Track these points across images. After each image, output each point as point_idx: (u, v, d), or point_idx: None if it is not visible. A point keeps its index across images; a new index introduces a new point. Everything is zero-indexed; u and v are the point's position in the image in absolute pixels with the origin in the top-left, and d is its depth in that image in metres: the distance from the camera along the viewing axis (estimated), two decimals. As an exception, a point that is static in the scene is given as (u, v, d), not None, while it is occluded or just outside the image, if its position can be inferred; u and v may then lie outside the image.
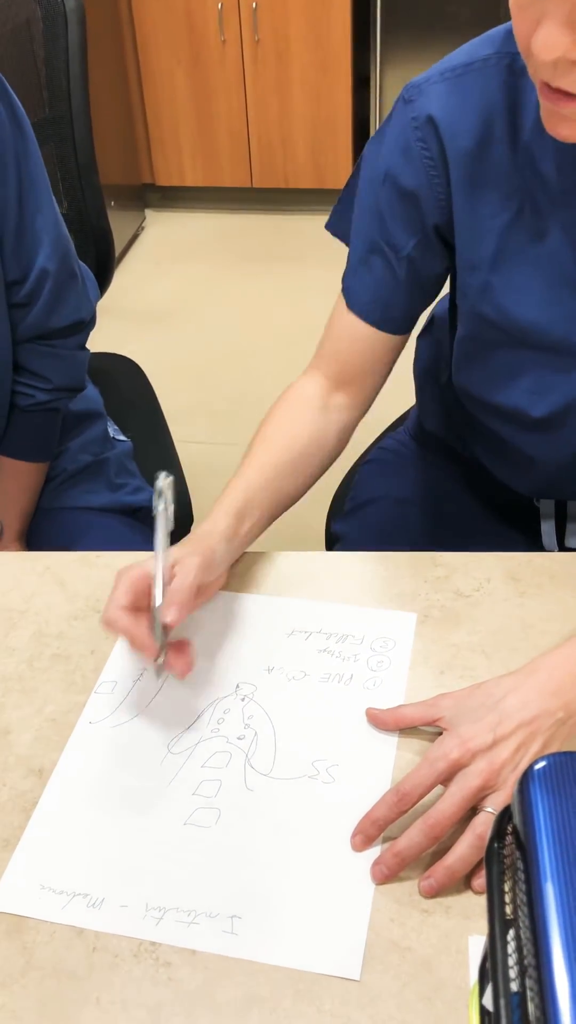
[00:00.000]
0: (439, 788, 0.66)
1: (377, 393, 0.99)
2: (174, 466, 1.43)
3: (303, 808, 0.69)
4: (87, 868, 0.66)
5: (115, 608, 0.74)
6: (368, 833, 0.66)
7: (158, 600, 0.73)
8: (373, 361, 0.96)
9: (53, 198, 1.06)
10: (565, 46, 0.61)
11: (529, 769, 0.39)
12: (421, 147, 0.83)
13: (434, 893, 0.63)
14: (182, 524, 1.38)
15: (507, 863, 0.37)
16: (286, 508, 0.93)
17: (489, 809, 0.65)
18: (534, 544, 1.11)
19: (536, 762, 0.40)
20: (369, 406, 1.00)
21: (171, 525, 0.77)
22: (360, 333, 0.94)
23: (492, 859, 0.37)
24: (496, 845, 0.38)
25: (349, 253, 0.94)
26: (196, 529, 0.85)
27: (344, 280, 0.95)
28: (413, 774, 0.66)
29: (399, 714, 0.73)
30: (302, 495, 0.95)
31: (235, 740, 0.74)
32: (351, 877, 0.65)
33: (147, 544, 1.16)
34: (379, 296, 0.92)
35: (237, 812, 0.69)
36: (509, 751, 0.66)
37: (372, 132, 3.37)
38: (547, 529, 1.09)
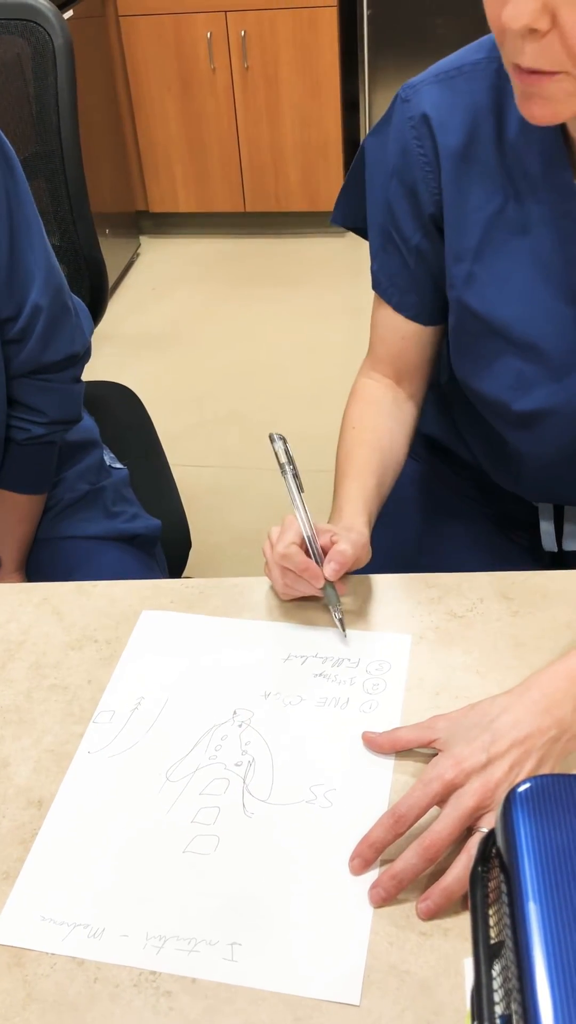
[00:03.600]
0: (435, 809, 0.67)
1: (428, 383, 1.06)
2: (170, 491, 1.45)
3: (301, 833, 0.69)
4: (87, 898, 0.67)
5: (287, 545, 0.83)
6: (366, 856, 0.67)
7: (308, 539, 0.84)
8: (418, 351, 1.02)
9: (44, 233, 1.07)
10: (532, 12, 0.65)
11: (512, 792, 0.40)
12: (416, 145, 0.89)
13: (431, 915, 0.63)
14: (179, 544, 1.39)
15: (491, 885, 0.38)
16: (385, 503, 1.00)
17: (484, 829, 0.65)
18: (534, 546, 1.12)
19: (519, 784, 0.40)
20: (424, 395, 1.06)
21: (301, 486, 0.86)
22: (392, 321, 1.00)
23: (476, 882, 0.38)
24: (480, 868, 0.38)
25: (370, 242, 1.00)
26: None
27: (372, 267, 1.01)
28: (409, 796, 0.67)
29: (395, 737, 0.74)
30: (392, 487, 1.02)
31: (232, 766, 0.75)
32: (350, 901, 0.65)
33: (145, 572, 1.17)
34: (397, 282, 0.98)
35: (236, 838, 0.70)
36: (503, 770, 0.66)
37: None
38: (546, 529, 1.10)
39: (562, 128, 0.81)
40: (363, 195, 0.98)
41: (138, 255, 3.57)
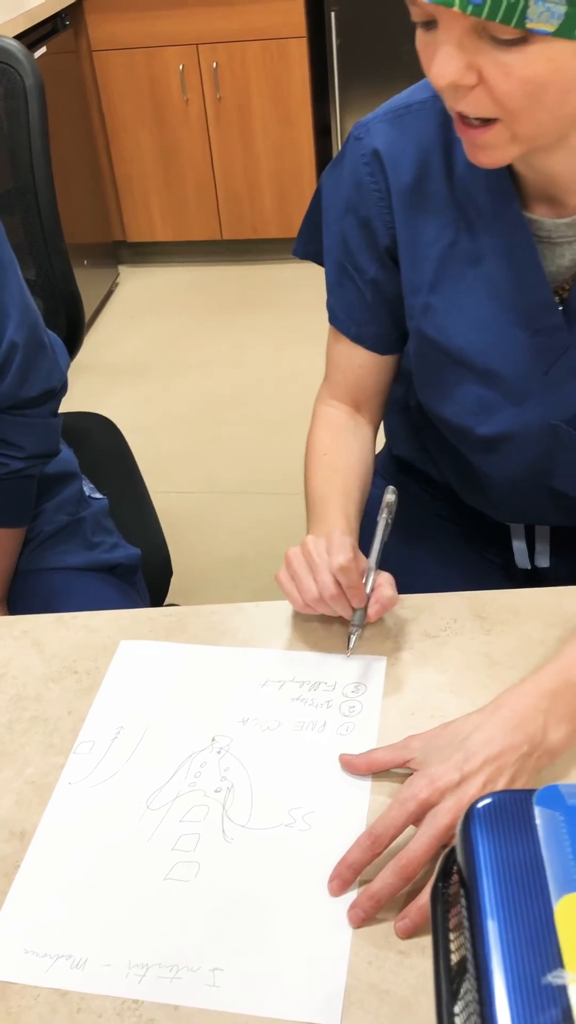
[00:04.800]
0: (412, 828, 0.68)
1: (381, 412, 1.08)
2: (150, 519, 1.46)
3: (281, 857, 0.70)
4: (70, 929, 0.67)
5: (349, 560, 0.84)
6: (344, 877, 0.68)
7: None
8: (374, 381, 1.04)
9: (19, 271, 1.09)
10: (457, 71, 0.68)
11: (471, 808, 0.41)
12: (370, 180, 0.91)
13: (410, 933, 0.64)
14: (160, 572, 1.40)
15: (452, 900, 0.39)
16: None
17: None
18: (508, 564, 1.14)
19: (478, 801, 0.42)
20: (378, 425, 1.09)
21: (387, 536, 0.91)
22: (357, 357, 1.03)
23: (437, 898, 0.39)
24: (440, 884, 0.39)
25: (326, 275, 1.02)
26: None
27: (327, 302, 1.03)
28: (385, 816, 0.68)
29: (371, 758, 0.75)
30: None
31: (212, 793, 0.75)
32: (329, 922, 0.66)
33: (125, 601, 1.18)
34: (354, 315, 1.00)
35: (216, 864, 0.70)
36: (477, 787, 0.67)
37: (336, 180, 3.45)
38: (519, 547, 1.12)
39: None
40: (321, 229, 1.00)
41: (117, 284, 3.59)
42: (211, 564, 2.15)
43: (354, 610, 0.85)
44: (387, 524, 0.91)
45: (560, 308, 0.87)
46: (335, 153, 3.39)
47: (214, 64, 3.18)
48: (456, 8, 0.64)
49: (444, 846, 0.66)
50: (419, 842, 0.66)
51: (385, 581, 0.87)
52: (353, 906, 0.66)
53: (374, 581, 0.86)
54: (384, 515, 0.91)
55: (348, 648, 0.85)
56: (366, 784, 0.75)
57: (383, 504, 0.92)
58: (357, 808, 0.73)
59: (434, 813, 0.67)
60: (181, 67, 3.20)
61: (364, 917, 0.65)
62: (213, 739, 0.80)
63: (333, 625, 0.91)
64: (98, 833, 0.74)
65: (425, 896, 0.64)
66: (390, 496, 0.93)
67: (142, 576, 1.30)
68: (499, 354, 0.90)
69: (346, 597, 0.84)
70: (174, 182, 3.45)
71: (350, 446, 1.02)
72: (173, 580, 1.44)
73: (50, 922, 0.68)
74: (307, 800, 0.74)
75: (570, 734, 0.72)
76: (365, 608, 0.85)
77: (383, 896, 0.65)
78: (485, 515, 1.12)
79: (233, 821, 0.73)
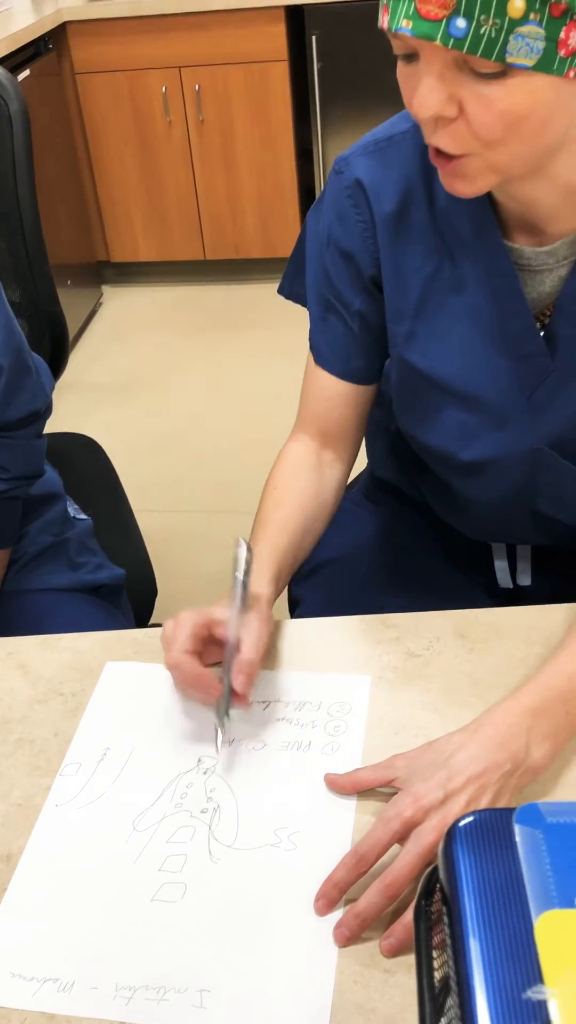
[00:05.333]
0: (397, 847, 0.68)
1: (359, 445, 1.07)
2: (135, 539, 1.46)
3: (267, 877, 0.71)
4: (57, 952, 0.67)
5: (180, 653, 0.80)
6: (330, 896, 0.68)
7: (229, 666, 0.80)
8: (348, 414, 1.03)
9: (3, 294, 1.09)
10: (439, 103, 0.70)
11: (453, 827, 0.42)
12: (354, 211, 0.92)
13: (395, 951, 0.65)
14: (144, 592, 1.40)
15: (435, 918, 0.40)
16: (298, 567, 1.00)
17: None
18: (491, 584, 1.15)
19: (460, 819, 0.42)
20: (355, 458, 1.07)
21: (245, 593, 0.84)
22: (332, 388, 1.02)
23: (420, 916, 0.40)
24: (424, 902, 0.40)
25: (309, 313, 1.02)
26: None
27: (310, 339, 1.03)
28: (369, 835, 0.68)
29: (355, 778, 0.75)
30: (311, 551, 1.02)
31: (199, 813, 0.76)
32: (315, 942, 0.66)
33: (110, 622, 1.18)
34: (340, 350, 1.00)
35: (203, 885, 0.71)
36: (460, 806, 0.68)
37: (318, 200, 3.49)
38: (501, 567, 1.13)
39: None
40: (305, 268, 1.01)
41: (100, 304, 3.61)
42: (195, 583, 2.14)
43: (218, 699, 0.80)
44: (243, 582, 0.84)
45: (542, 334, 0.88)
46: (316, 174, 3.45)
47: (196, 87, 3.22)
48: (438, 42, 0.66)
49: (428, 864, 0.67)
50: (404, 861, 0.66)
51: (248, 643, 0.81)
52: (339, 925, 0.66)
53: (235, 648, 0.80)
54: (237, 572, 0.84)
55: (216, 747, 0.80)
56: (351, 803, 0.75)
57: (234, 560, 0.85)
58: (342, 827, 0.74)
59: (418, 832, 0.67)
60: (164, 89, 3.23)
61: (349, 936, 0.66)
62: (199, 760, 0.80)
63: (318, 645, 0.91)
64: (85, 855, 0.74)
65: (410, 914, 0.65)
66: (241, 550, 0.86)
67: (127, 596, 1.30)
68: (482, 380, 0.91)
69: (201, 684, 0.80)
70: (157, 203, 3.48)
71: (303, 483, 1.01)
72: (158, 600, 1.45)
73: (37, 945, 0.68)
74: (293, 820, 0.74)
75: (552, 752, 0.73)
76: (226, 694, 0.79)
77: (368, 915, 0.66)
78: (467, 535, 1.13)
79: (219, 841, 0.74)
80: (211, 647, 0.85)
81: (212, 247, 3.53)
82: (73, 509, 1.33)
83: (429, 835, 0.67)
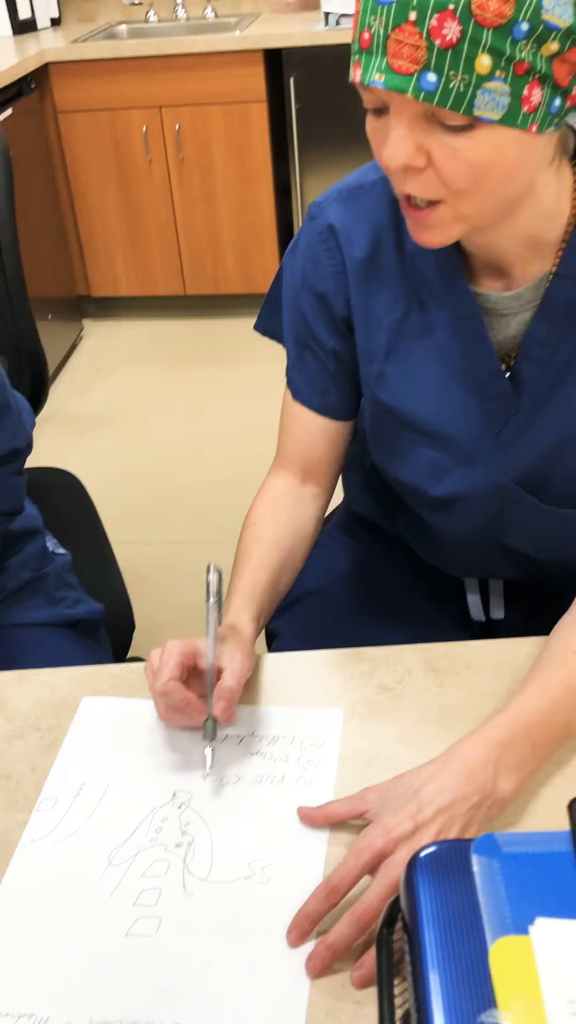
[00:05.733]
0: (368, 878, 0.69)
1: (337, 479, 1.10)
2: (113, 573, 1.47)
3: (240, 910, 0.72)
4: (32, 987, 0.68)
5: (168, 680, 0.82)
6: (302, 928, 0.69)
7: (210, 694, 0.83)
8: (326, 448, 1.06)
9: (-18, 333, 1.11)
10: (409, 152, 0.73)
11: (414, 857, 0.44)
12: (327, 255, 0.96)
13: (366, 983, 0.66)
14: (122, 626, 1.41)
15: (397, 946, 0.41)
16: (281, 600, 1.02)
17: None
18: (464, 617, 1.17)
19: (421, 850, 0.44)
20: (334, 489, 1.10)
21: (220, 619, 0.87)
22: (310, 424, 1.04)
23: (382, 945, 0.41)
24: (385, 931, 0.42)
25: (287, 351, 1.05)
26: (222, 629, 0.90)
27: (288, 376, 1.06)
28: (341, 867, 0.70)
29: (328, 811, 0.77)
30: (291, 585, 1.04)
31: (173, 847, 0.77)
32: (287, 975, 0.67)
33: (88, 656, 1.19)
34: (317, 386, 1.03)
35: (177, 919, 0.72)
36: (430, 837, 0.69)
37: (297, 237, 3.54)
38: (473, 601, 1.16)
39: None
40: (280, 308, 1.04)
41: (81, 338, 3.63)
42: (173, 617, 2.15)
43: (206, 720, 0.82)
44: (216, 608, 0.85)
45: (507, 375, 0.91)
46: (295, 211, 3.50)
47: (177, 126, 3.27)
48: (410, 95, 0.69)
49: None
50: (374, 892, 0.67)
51: (230, 671, 0.83)
52: (310, 957, 0.67)
53: (214, 676, 0.83)
54: (210, 599, 0.85)
55: (205, 768, 0.82)
56: (324, 836, 0.77)
57: (207, 585, 0.86)
58: (314, 860, 0.75)
59: (388, 863, 0.69)
60: (144, 128, 3.29)
61: (321, 968, 0.67)
62: (174, 794, 0.81)
63: (292, 679, 0.93)
64: (61, 890, 0.75)
65: None
66: (212, 576, 0.87)
67: (104, 630, 1.31)
68: (451, 419, 0.94)
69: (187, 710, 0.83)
70: (138, 238, 3.52)
71: (282, 518, 1.03)
72: (136, 633, 1.46)
73: (12, 980, 0.68)
74: (266, 853, 0.76)
75: (519, 783, 0.75)
76: (211, 718, 0.82)
77: (339, 946, 0.67)
78: (441, 569, 1.15)
79: (194, 875, 0.75)
80: (195, 678, 0.86)
81: (192, 282, 3.57)
82: (52, 544, 1.34)
83: (398, 867, 0.68)
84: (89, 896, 0.74)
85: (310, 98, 3.19)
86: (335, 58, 3.08)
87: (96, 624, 1.28)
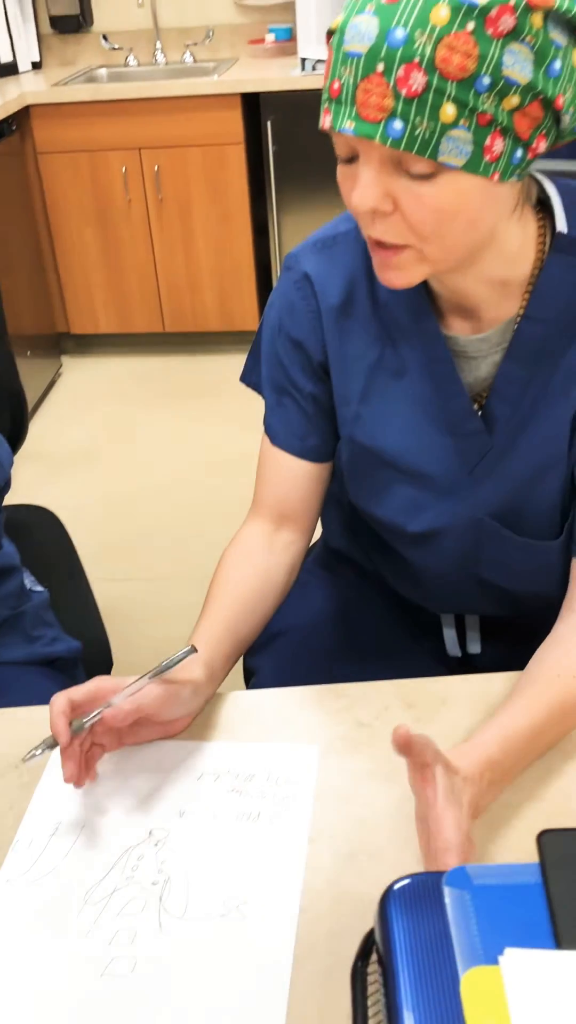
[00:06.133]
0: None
1: (316, 520, 1.10)
2: (91, 611, 1.47)
3: (216, 947, 0.72)
4: (6, 1029, 0.67)
5: (62, 696, 0.83)
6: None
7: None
8: (305, 492, 1.07)
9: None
10: (376, 197, 0.76)
11: (388, 889, 0.44)
12: (303, 302, 0.98)
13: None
14: (99, 664, 1.41)
15: (371, 978, 0.42)
16: (245, 648, 1.02)
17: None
18: (440, 652, 1.18)
19: (395, 882, 0.45)
20: (312, 533, 1.10)
21: (161, 673, 0.86)
22: (288, 468, 1.05)
23: (356, 978, 0.42)
24: (360, 964, 0.42)
25: (264, 398, 1.06)
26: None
27: (265, 421, 1.07)
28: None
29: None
30: (258, 633, 1.03)
31: (149, 886, 0.77)
32: (262, 1012, 0.67)
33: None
34: (296, 430, 1.04)
35: (153, 958, 0.71)
36: None
37: (273, 275, 3.59)
38: (450, 636, 1.17)
39: (424, 282, 0.91)
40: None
41: (60, 375, 3.65)
42: (150, 654, 2.14)
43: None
44: (162, 667, 0.85)
45: (480, 414, 0.93)
46: (272, 250, 3.55)
47: (156, 167, 3.32)
48: (377, 141, 0.72)
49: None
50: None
51: (130, 692, 0.83)
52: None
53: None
54: (164, 660, 0.86)
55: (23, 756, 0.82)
56: (299, 873, 0.77)
57: (172, 655, 0.86)
58: (289, 897, 0.75)
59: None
60: (124, 169, 3.33)
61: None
62: (150, 832, 0.81)
63: (268, 716, 0.93)
64: (36, 931, 0.74)
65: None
66: (180, 653, 0.87)
67: (82, 668, 1.31)
68: (427, 457, 0.96)
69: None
70: (117, 277, 3.55)
71: (251, 567, 1.04)
72: (113, 670, 1.46)
73: (-14, 1023, 0.68)
74: (241, 890, 0.76)
75: (495, 797, 0.79)
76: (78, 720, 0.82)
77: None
78: (419, 604, 1.17)
79: (169, 913, 0.74)
80: (139, 726, 0.87)
81: (171, 320, 3.60)
82: (30, 581, 1.34)
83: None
84: (65, 937, 0.73)
85: (287, 140, 3.26)
86: (311, 102, 3.14)
87: (74, 662, 1.28)
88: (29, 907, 0.76)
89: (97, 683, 0.85)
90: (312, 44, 3.17)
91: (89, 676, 1.33)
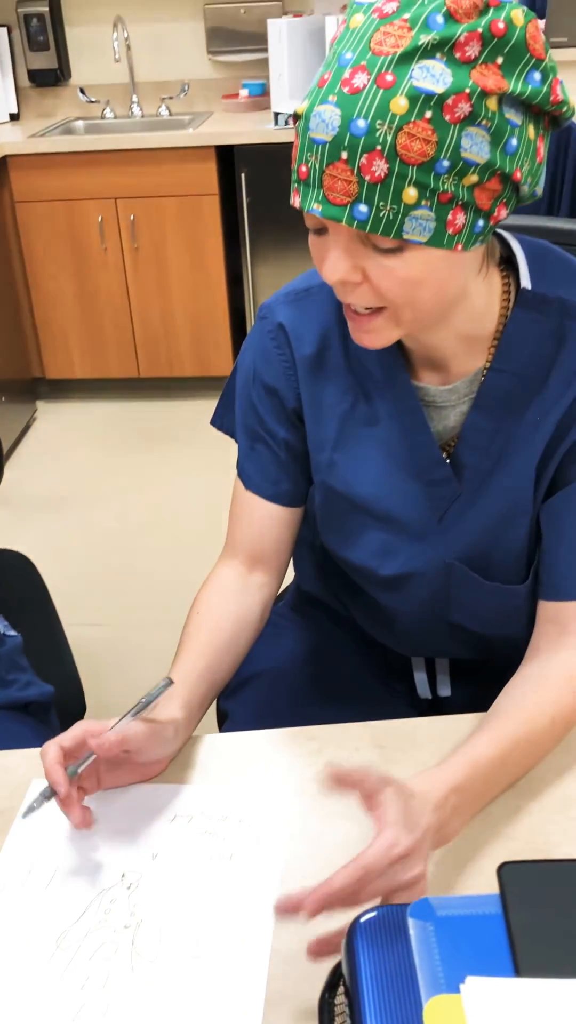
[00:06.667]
0: None
1: (288, 563, 1.11)
2: (64, 655, 1.48)
3: (188, 990, 0.72)
4: (-23, 1076, 0.67)
5: (53, 744, 0.84)
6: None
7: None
8: (277, 535, 1.08)
9: None
10: (345, 270, 0.80)
11: (354, 922, 0.46)
12: (277, 351, 1.01)
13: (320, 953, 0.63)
14: (72, 709, 1.41)
15: (338, 1010, 0.43)
16: (221, 688, 1.03)
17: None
18: (411, 694, 1.20)
19: (362, 915, 0.46)
20: (284, 575, 1.11)
21: (143, 710, 0.88)
22: (261, 511, 1.07)
23: (323, 1009, 0.43)
24: (327, 995, 0.43)
25: (238, 443, 1.08)
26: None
27: (238, 466, 1.09)
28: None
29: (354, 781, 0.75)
30: (233, 673, 1.05)
31: (121, 929, 0.77)
32: (236, 1055, 0.67)
33: (38, 739, 1.19)
34: (269, 474, 1.06)
35: (125, 1001, 0.72)
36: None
37: (248, 322, 3.64)
38: (420, 678, 1.19)
39: None
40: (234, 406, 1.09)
41: (34, 419, 3.66)
42: (124, 698, 2.14)
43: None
44: (142, 703, 0.87)
45: (448, 462, 0.96)
46: (246, 297, 3.61)
47: (131, 216, 3.37)
48: (344, 223, 0.76)
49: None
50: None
51: (119, 728, 0.84)
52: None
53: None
54: (143, 696, 0.88)
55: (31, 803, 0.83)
56: (270, 916, 0.77)
57: (153, 690, 0.89)
58: (261, 939, 0.75)
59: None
60: (100, 218, 3.38)
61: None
62: (123, 875, 0.82)
63: (240, 759, 0.94)
64: (7, 975, 0.74)
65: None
66: (160, 686, 0.89)
67: (55, 712, 1.31)
68: (398, 503, 0.99)
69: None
70: (93, 323, 3.59)
71: (225, 607, 1.05)
72: (87, 715, 1.46)
73: (-43, 1070, 0.68)
74: (213, 933, 0.76)
75: (463, 825, 0.80)
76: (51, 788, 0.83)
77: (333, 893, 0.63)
78: (391, 647, 1.18)
79: (142, 956, 0.75)
80: (118, 769, 0.89)
81: (146, 365, 3.64)
82: (3, 626, 1.34)
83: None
84: (36, 982, 0.73)
85: (260, 192, 3.33)
86: (284, 155, 3.22)
87: (47, 706, 1.28)
88: (1, 951, 0.76)
89: (84, 727, 0.86)
90: (285, 99, 3.26)
91: (62, 720, 1.33)
